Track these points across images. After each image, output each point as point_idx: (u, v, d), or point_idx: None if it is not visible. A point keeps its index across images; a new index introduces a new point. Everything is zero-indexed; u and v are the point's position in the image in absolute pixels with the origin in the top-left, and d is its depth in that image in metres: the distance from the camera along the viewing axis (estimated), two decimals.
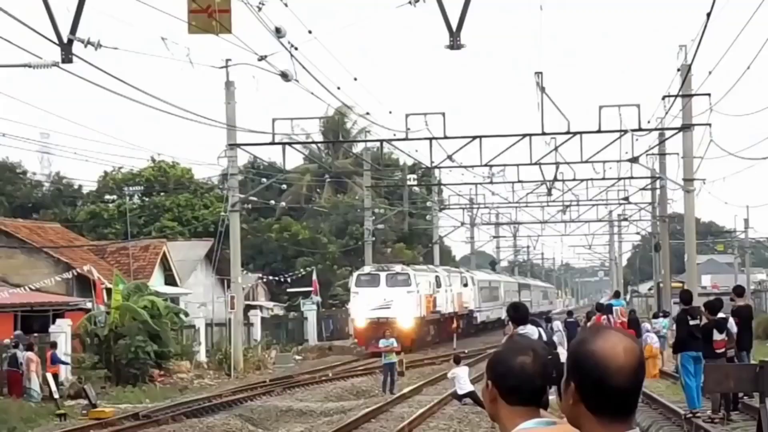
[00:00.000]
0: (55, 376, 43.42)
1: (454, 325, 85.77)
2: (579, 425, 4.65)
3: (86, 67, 26.47)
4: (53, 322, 50.42)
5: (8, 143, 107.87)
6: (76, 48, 23.94)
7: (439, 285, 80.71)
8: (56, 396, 41.61)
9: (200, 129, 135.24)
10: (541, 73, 51.58)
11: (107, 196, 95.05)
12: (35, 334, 49.03)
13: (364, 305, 70.46)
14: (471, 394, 35.79)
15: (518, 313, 20.30)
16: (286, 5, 26.83)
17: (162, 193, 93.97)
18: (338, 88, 44.37)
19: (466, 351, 60.93)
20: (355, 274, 74.47)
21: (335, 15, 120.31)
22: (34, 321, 52.18)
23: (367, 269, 74.74)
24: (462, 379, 36.41)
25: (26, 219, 75.28)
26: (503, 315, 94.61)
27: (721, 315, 30.08)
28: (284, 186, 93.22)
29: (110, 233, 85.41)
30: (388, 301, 70.25)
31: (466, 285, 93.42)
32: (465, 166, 63.38)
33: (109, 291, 53.53)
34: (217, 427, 34.65)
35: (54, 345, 46.14)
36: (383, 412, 38.59)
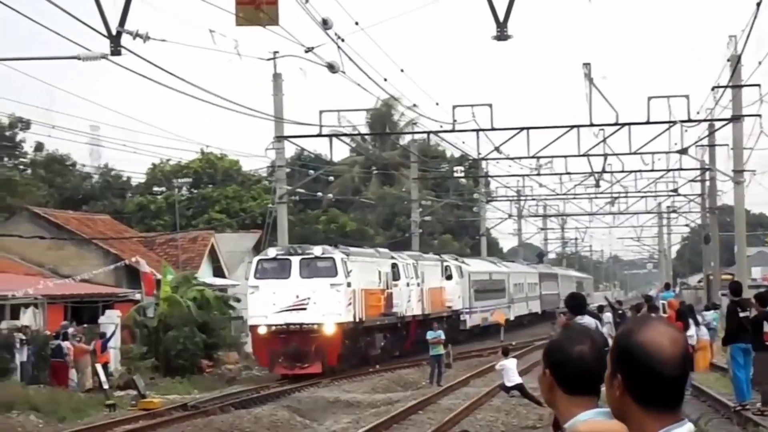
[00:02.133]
0: (105, 367, 43.66)
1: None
2: (625, 418, 4.65)
3: (135, 59, 26.68)
4: (102, 313, 50.73)
5: (58, 135, 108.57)
6: (125, 40, 24.09)
7: (397, 277, 57.61)
8: (105, 386, 41.85)
9: (248, 121, 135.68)
10: (589, 64, 51.59)
11: (156, 188, 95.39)
12: (85, 325, 49.33)
13: (266, 305, 47.75)
14: (519, 387, 35.77)
15: (576, 303, 20.41)
16: None
17: (210, 185, 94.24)
18: (385, 79, 44.45)
19: (514, 343, 60.48)
20: (254, 260, 51.36)
21: (382, 6, 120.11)
22: (83, 312, 52.43)
23: (272, 252, 50.50)
24: (510, 371, 36.37)
25: (76, 210, 75.51)
26: (512, 315, 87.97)
27: None
28: (331, 178, 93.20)
29: (159, 225, 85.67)
30: (302, 298, 47.38)
31: (449, 278, 70.49)
32: (512, 158, 63.28)
33: (157, 282, 53.79)
34: (265, 418, 34.70)
35: (103, 335, 46.39)
36: (430, 403, 38.62)
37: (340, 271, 48.70)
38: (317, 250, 49.77)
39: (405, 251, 68.61)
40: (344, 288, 48.59)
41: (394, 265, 58.38)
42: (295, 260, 48.55)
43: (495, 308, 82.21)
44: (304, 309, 47.54)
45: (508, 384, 36.18)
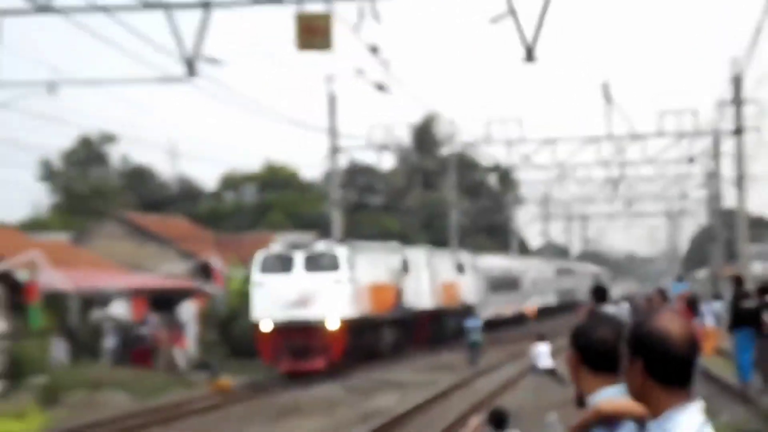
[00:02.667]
0: (181, 351, 43.98)
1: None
2: (647, 398, 4.69)
3: (205, 79, 26.82)
4: (180, 305, 50.99)
5: (141, 148, 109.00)
6: (199, 63, 24.19)
7: (407, 271, 51.58)
8: (183, 369, 42.15)
9: (304, 133, 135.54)
10: (607, 84, 51.54)
11: (226, 194, 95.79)
12: (165, 315, 49.66)
13: (270, 301, 41.87)
14: (552, 371, 35.63)
15: (599, 293, 20.62)
16: (380, 24, 26.86)
17: (273, 191, 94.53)
18: (427, 97, 44.67)
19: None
20: (259, 256, 43.65)
21: (425, 32, 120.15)
22: (163, 303, 52.71)
23: (275, 248, 44.16)
24: (544, 355, 36.25)
25: (156, 214, 75.91)
26: (526, 308, 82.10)
27: None
28: (379, 185, 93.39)
29: (228, 226, 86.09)
30: (306, 294, 41.56)
31: (463, 272, 63.50)
32: (538, 166, 63.15)
33: (227, 277, 54.12)
34: (322, 396, 34.95)
35: (180, 324, 46.71)
36: (467, 384, 38.64)
37: (343, 265, 42.41)
38: (320, 245, 43.80)
39: (417, 245, 62.71)
40: (348, 283, 42.41)
41: (404, 259, 51.83)
42: (299, 255, 42.28)
43: (509, 302, 76.34)
44: (308, 305, 41.33)
45: (542, 367, 36.05)
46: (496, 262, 77.82)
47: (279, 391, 36.05)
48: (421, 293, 53.56)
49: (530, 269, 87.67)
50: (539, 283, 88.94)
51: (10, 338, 41.53)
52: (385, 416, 29.37)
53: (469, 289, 64.35)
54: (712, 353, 38.69)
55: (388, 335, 48.81)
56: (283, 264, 42.19)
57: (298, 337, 40.55)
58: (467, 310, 60.11)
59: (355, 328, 42.95)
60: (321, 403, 33.36)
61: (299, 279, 41.76)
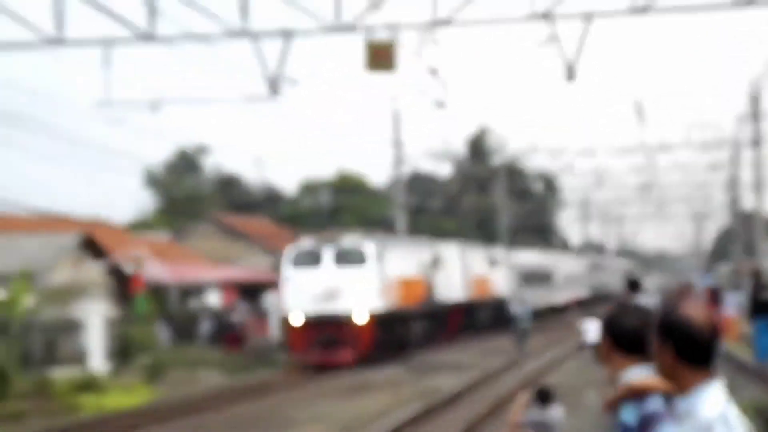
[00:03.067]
0: (265, 336, 44.28)
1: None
2: (676, 376, 4.70)
3: (286, 96, 27.02)
4: (264, 295, 51.25)
5: (230, 158, 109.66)
6: (281, 84, 24.29)
7: (438, 265, 47.02)
8: (267, 351, 42.34)
9: (374, 143, 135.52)
10: (639, 101, 51.40)
11: (304, 198, 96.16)
12: (251, 303, 49.93)
13: (299, 294, 37.97)
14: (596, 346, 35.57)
15: (634, 285, 20.57)
16: (439, 48, 26.78)
17: (344, 196, 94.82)
18: (479, 113, 44.70)
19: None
20: (290, 251, 39.69)
21: (479, 55, 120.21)
22: (250, 293, 52.96)
23: (305, 243, 40.11)
24: (593, 331, 36.14)
25: (243, 216, 76.30)
26: (560, 301, 76.36)
27: None
28: (438, 191, 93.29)
29: (306, 227, 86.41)
30: (334, 287, 37.71)
31: (495, 265, 58.85)
32: (578, 173, 62.95)
33: None
34: (388, 376, 35.00)
35: (265, 312, 46.96)
36: (516, 365, 38.59)
37: (370, 259, 38.22)
38: (348, 240, 39.52)
39: (452, 240, 57.39)
40: (376, 276, 38.21)
41: (435, 254, 47.07)
42: (327, 250, 38.29)
43: (542, 294, 68.80)
44: (336, 298, 37.52)
45: (590, 342, 35.92)
46: (529, 257, 72.27)
47: (349, 372, 36.03)
48: (452, 286, 48.90)
49: (562, 264, 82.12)
50: (572, 276, 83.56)
51: (119, 323, 41.96)
52: (443, 393, 29.40)
53: (501, 283, 60.13)
54: (734, 338, 38.40)
55: (418, 327, 43.79)
56: (312, 259, 38.32)
57: (326, 330, 37.00)
58: (500, 302, 57.64)
59: (384, 321, 38.65)
60: (386, 382, 33.40)
61: (328, 273, 37.86)
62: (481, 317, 54.98)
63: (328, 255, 38.13)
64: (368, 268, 37.93)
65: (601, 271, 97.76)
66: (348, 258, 38.04)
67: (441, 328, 47.54)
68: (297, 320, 37.63)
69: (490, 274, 56.94)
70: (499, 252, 61.56)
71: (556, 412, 11.92)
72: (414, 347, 42.70)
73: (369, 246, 38.69)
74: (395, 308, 40.04)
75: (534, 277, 68.74)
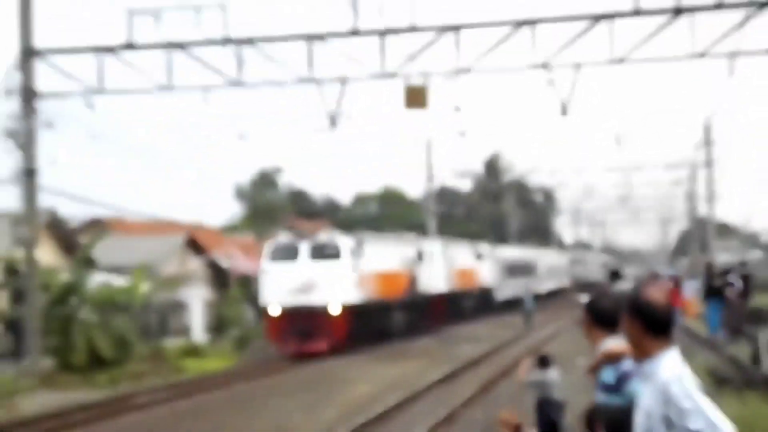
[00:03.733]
0: None
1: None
2: (642, 345, 4.71)
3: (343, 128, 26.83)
4: None
5: (299, 177, 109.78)
6: (339, 119, 24.37)
7: (421, 258, 40.28)
8: None
9: (411, 164, 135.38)
10: (618, 132, 51.60)
11: (356, 208, 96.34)
12: None
13: (277, 287, 32.32)
14: None
15: (614, 275, 20.43)
16: (460, 90, 26.81)
17: (388, 206, 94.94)
18: (493, 140, 44.56)
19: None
20: (268, 246, 33.86)
21: (493, 94, 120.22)
22: None
23: (282, 238, 34.07)
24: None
25: (309, 221, 76.40)
26: (543, 289, 68.14)
27: (732, 278, 29.77)
28: (461, 201, 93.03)
29: (358, 231, 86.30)
30: (309, 280, 31.99)
31: (480, 259, 52.95)
32: (571, 188, 62.68)
33: None
34: (422, 346, 34.74)
35: None
36: (523, 337, 38.47)
37: (344, 254, 32.27)
38: (324, 236, 33.81)
39: (436, 237, 50.93)
40: (350, 270, 32.32)
41: (418, 249, 40.36)
42: (304, 245, 32.47)
43: (525, 284, 58.44)
44: (312, 290, 31.76)
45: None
46: (513, 252, 65.46)
47: (391, 343, 35.86)
48: (436, 279, 42.37)
49: (545, 258, 74.61)
50: (554, 268, 76.65)
51: (215, 305, 42.19)
52: (465, 359, 29.36)
53: (486, 274, 54.02)
54: (692, 316, 38.13)
55: (399, 316, 37.57)
56: (289, 253, 32.47)
57: (302, 321, 31.51)
58: (486, 291, 53.53)
59: (359, 312, 32.69)
60: (422, 350, 33.37)
61: (304, 267, 32.11)
62: (466, 305, 48.97)
63: (304, 249, 32.37)
64: (343, 261, 32.10)
65: (581, 264, 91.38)
66: (323, 252, 32.29)
67: (425, 316, 41.02)
68: (274, 311, 31.98)
69: (475, 267, 51.13)
70: (484, 247, 55.74)
71: (553, 374, 11.90)
72: (397, 334, 36.67)
73: (344, 241, 32.90)
74: (373, 299, 33.92)
75: (518, 269, 62.56)
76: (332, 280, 31.70)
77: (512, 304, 55.44)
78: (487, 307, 52.57)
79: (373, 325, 34.73)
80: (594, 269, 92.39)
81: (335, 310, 31.59)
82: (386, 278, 35.46)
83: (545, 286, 68.27)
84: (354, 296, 32.15)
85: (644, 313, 4.70)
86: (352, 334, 32.36)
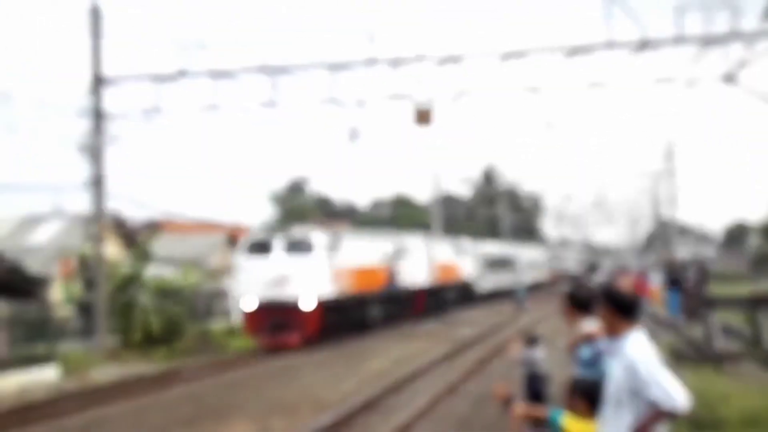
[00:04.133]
0: None
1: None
2: (613, 326, 4.79)
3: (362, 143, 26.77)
4: None
5: (324, 184, 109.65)
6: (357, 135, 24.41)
7: (400, 254, 35.77)
8: None
9: (418, 174, 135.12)
10: (595, 146, 51.28)
11: (373, 211, 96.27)
12: None
13: (251, 282, 27.93)
14: None
15: (591, 268, 20.36)
16: (461, 109, 26.73)
17: (400, 209, 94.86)
18: (489, 153, 44.29)
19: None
20: (243, 241, 29.54)
21: (486, 113, 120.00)
22: None
23: (256, 234, 29.61)
24: None
25: (332, 222, 76.29)
26: (523, 281, 59.56)
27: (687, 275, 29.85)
28: (461, 205, 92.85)
29: (374, 230, 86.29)
30: (283, 275, 27.61)
31: (461, 254, 47.37)
32: (555, 194, 62.45)
33: None
34: (428, 329, 34.72)
35: None
36: (514, 320, 38.41)
37: (318, 249, 27.72)
38: (297, 232, 28.87)
39: (420, 233, 45.08)
40: (324, 265, 27.86)
41: (398, 245, 35.68)
42: (277, 241, 27.90)
43: (505, 277, 58.36)
44: (285, 285, 27.29)
45: None
46: (494, 248, 59.42)
47: (403, 325, 35.79)
48: (416, 273, 37.81)
49: (525, 253, 68.25)
50: (534, 263, 70.69)
51: None
52: (464, 339, 29.38)
53: (467, 269, 48.76)
54: (657, 302, 38.12)
55: (376, 310, 33.13)
56: (263, 248, 28.05)
57: (275, 314, 27.34)
58: (466, 285, 48.49)
59: (333, 306, 28.42)
60: (427, 332, 33.37)
61: (278, 262, 27.63)
62: (446, 298, 43.63)
63: (278, 245, 27.94)
64: (316, 257, 27.75)
65: (558, 259, 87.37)
66: (296, 248, 27.81)
67: (404, 309, 36.73)
68: (250, 305, 27.71)
69: (456, 262, 45.97)
70: (466, 243, 50.27)
71: (539, 352, 11.94)
72: (375, 327, 32.66)
73: (317, 237, 28.24)
74: (348, 294, 29.68)
75: (499, 264, 57.84)
76: (305, 274, 27.52)
77: (494, 296, 54.09)
78: (468, 300, 48.13)
79: (349, 318, 30.21)
80: (570, 264, 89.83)
81: (308, 305, 27.27)
82: (363, 273, 31.02)
83: (525, 278, 62.29)
84: (328, 290, 27.93)
85: (615, 300, 4.79)
86: (326, 328, 28.14)
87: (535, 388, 11.39)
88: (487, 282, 53.68)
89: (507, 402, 5.79)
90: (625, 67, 21.41)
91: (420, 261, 38.32)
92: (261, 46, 22.21)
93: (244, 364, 23.81)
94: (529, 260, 68.27)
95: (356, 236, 32.99)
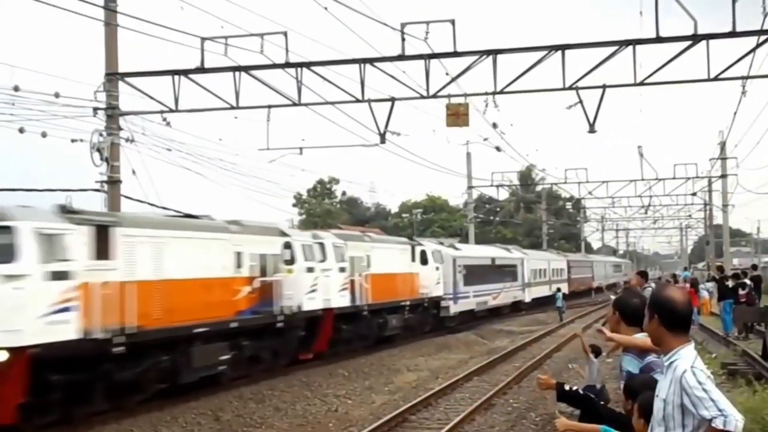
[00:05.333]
0: None
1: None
2: (660, 341, 4.69)
3: (391, 143, 26.58)
4: None
5: (353, 186, 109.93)
6: (387, 135, 24.38)
7: (291, 261, 23.23)
8: None
9: (452, 176, 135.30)
10: (640, 146, 51.13)
11: (404, 214, 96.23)
12: None
13: None
14: None
15: (644, 274, 20.18)
16: (496, 108, 26.62)
17: (432, 213, 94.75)
18: (527, 155, 44.09)
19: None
20: None
21: (527, 112, 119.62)
22: None
23: None
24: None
25: (361, 226, 76.56)
26: (527, 297, 51.45)
27: (744, 280, 29.65)
28: (498, 209, 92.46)
29: (405, 235, 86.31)
30: None
31: (425, 263, 34.72)
32: (599, 197, 61.99)
33: None
34: (461, 339, 34.52)
35: None
36: (553, 332, 38.19)
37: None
38: None
39: (335, 230, 33.67)
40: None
41: (287, 245, 23.56)
42: None
43: (501, 291, 45.76)
44: None
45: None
46: (479, 252, 46.68)
47: (434, 336, 35.51)
48: (313, 290, 25.00)
49: (532, 261, 54.69)
50: (546, 273, 58.00)
51: None
52: (503, 350, 29.23)
53: (432, 281, 35.37)
54: (706, 315, 37.70)
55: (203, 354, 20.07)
56: None
57: None
58: (432, 301, 35.80)
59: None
60: (462, 343, 33.29)
61: None
62: (388, 326, 30.97)
63: None
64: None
65: (579, 267, 74.61)
66: None
67: (284, 346, 24.07)
68: None
69: (413, 272, 33.69)
70: (431, 246, 37.15)
71: (596, 365, 12.76)
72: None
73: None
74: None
75: (485, 274, 43.03)
76: None
77: (474, 321, 41.37)
78: (429, 327, 35.64)
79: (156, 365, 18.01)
80: (599, 273, 79.14)
81: None
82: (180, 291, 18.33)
83: (531, 294, 52.21)
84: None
85: (664, 310, 4.67)
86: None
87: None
88: (464, 300, 39.86)
89: (553, 390, 6.25)
90: (675, 63, 21.18)
91: (327, 271, 25.91)
92: (286, 41, 22.22)
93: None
94: (538, 268, 56.48)
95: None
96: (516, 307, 49.83)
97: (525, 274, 51.81)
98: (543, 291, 55.94)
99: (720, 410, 4.36)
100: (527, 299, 51.90)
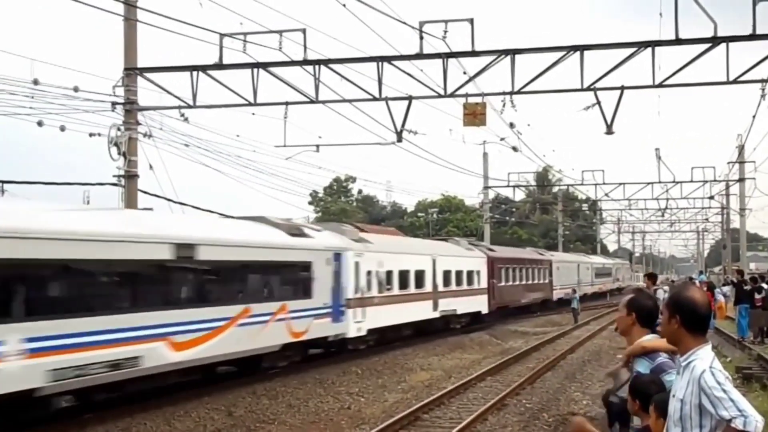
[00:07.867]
0: None
1: None
2: (678, 341, 4.63)
3: (407, 142, 26.57)
4: None
5: (369, 184, 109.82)
6: (404, 133, 24.32)
7: None
8: None
9: (469, 176, 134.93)
10: (658, 149, 50.79)
11: (420, 214, 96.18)
12: None
13: None
14: None
15: (653, 276, 19.98)
16: (514, 108, 26.58)
17: (448, 212, 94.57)
18: (544, 155, 43.90)
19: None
20: None
21: (543, 113, 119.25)
22: None
23: None
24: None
25: (377, 225, 76.54)
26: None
27: (761, 284, 29.48)
28: (514, 209, 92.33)
29: (420, 235, 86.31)
30: None
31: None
32: (615, 200, 61.73)
33: None
34: (477, 339, 34.49)
35: None
36: (567, 334, 38.03)
37: None
38: None
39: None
40: None
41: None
42: None
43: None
44: None
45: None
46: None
47: (447, 335, 35.48)
48: None
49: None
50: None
51: None
52: (516, 351, 29.14)
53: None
54: (722, 319, 37.50)
55: None
56: None
57: None
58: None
59: None
60: (476, 343, 33.21)
61: None
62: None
63: None
64: None
65: (587, 269, 68.77)
66: None
67: None
68: None
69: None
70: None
71: (625, 374, 12.35)
72: None
73: None
74: None
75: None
76: None
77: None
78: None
79: None
80: (584, 278, 67.14)
81: None
82: None
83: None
84: None
85: (685, 310, 4.61)
86: None
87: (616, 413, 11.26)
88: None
89: None
90: (694, 65, 21.04)
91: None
92: (304, 38, 22.19)
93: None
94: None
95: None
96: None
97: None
98: None
99: (740, 410, 4.30)
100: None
